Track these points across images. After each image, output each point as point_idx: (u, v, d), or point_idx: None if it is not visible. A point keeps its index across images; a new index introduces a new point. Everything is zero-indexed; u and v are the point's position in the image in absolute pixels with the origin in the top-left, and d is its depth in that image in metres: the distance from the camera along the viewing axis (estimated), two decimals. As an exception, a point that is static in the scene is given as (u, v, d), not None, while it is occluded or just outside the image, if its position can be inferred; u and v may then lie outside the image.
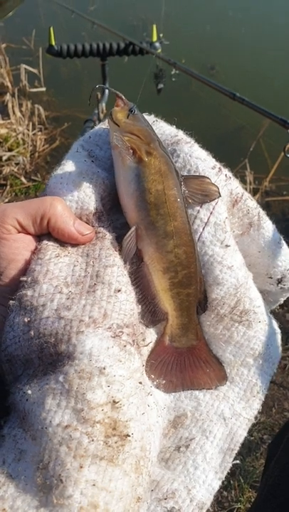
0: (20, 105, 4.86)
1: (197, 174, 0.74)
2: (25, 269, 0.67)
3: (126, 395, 0.59)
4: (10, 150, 4.54)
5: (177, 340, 0.77)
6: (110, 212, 0.76)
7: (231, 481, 2.25)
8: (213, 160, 0.78)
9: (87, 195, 0.72)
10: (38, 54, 5.37)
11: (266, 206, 4.31)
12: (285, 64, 5.99)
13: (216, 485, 0.74)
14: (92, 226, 0.72)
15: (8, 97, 4.84)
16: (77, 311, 0.62)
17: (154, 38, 2.86)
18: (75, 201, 0.71)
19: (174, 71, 2.51)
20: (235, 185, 0.78)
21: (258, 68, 5.89)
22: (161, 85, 2.77)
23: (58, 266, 0.67)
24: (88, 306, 0.63)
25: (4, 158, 4.45)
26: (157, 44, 2.88)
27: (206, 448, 0.75)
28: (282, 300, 0.87)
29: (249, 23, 6.81)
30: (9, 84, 5.33)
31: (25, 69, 5.33)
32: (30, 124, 4.74)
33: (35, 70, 5.40)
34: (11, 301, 0.65)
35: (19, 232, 0.68)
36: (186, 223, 0.72)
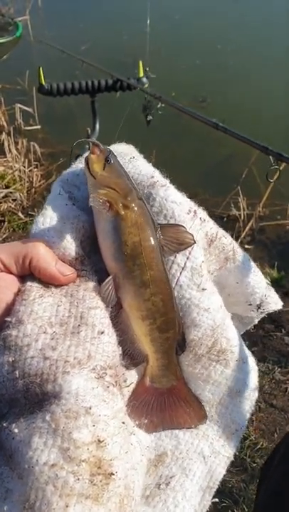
0: (16, 143, 4.97)
1: (173, 222, 0.76)
2: (6, 309, 0.68)
3: (110, 434, 0.60)
4: (7, 187, 4.62)
5: (157, 381, 0.78)
6: (90, 255, 0.77)
7: (235, 510, 2.22)
8: (189, 202, 0.79)
9: (68, 242, 0.73)
10: (32, 93, 5.53)
11: (261, 231, 4.35)
12: (276, 94, 6.13)
13: None
14: (76, 270, 0.74)
15: (4, 135, 4.96)
16: (62, 351, 0.63)
17: (141, 74, 2.96)
18: (57, 247, 0.73)
19: (160, 104, 2.59)
20: (209, 226, 0.80)
21: (248, 99, 6.03)
22: (150, 117, 2.86)
23: (42, 306, 0.68)
24: (73, 347, 0.64)
25: (1, 195, 4.52)
26: (144, 79, 2.98)
27: (186, 486, 0.76)
28: (256, 321, 0.90)
29: (238, 55, 7.00)
30: (5, 124, 5.46)
31: (20, 108, 5.50)
32: (26, 161, 4.84)
33: (29, 109, 5.56)
34: None
35: (1, 271, 0.70)
36: (163, 271, 0.74)
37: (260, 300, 0.85)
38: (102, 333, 0.68)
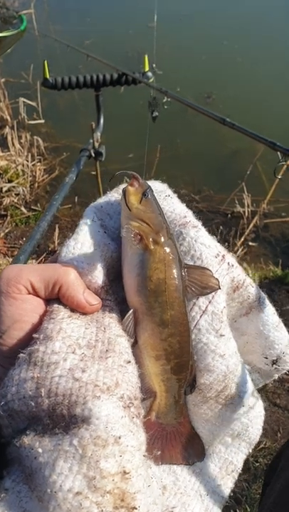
0: (20, 137, 4.96)
1: (200, 263, 0.76)
2: (30, 331, 0.67)
3: (135, 467, 0.58)
4: (10, 181, 4.61)
5: (162, 417, 0.78)
6: (113, 284, 0.76)
7: (238, 510, 2.20)
8: (218, 246, 0.79)
9: (97, 270, 0.73)
10: (36, 87, 5.52)
11: (265, 228, 4.33)
12: (281, 91, 6.10)
13: None
14: (101, 298, 0.73)
15: (7, 129, 4.95)
16: (91, 374, 0.61)
17: (146, 68, 2.93)
18: (85, 274, 0.72)
19: (165, 99, 2.56)
20: (237, 272, 0.79)
21: (254, 96, 6.00)
22: (156, 113, 2.82)
23: (71, 326, 0.66)
24: (102, 372, 0.62)
25: (4, 189, 4.51)
26: (149, 74, 2.95)
27: None
28: (276, 376, 0.89)
29: (244, 52, 6.97)
30: (8, 118, 5.44)
31: (23, 102, 5.47)
32: (30, 155, 4.82)
33: (33, 103, 5.54)
34: (20, 355, 0.63)
35: (29, 293, 0.69)
36: (184, 313, 0.73)
37: (276, 356, 0.84)
38: (129, 362, 0.66)
